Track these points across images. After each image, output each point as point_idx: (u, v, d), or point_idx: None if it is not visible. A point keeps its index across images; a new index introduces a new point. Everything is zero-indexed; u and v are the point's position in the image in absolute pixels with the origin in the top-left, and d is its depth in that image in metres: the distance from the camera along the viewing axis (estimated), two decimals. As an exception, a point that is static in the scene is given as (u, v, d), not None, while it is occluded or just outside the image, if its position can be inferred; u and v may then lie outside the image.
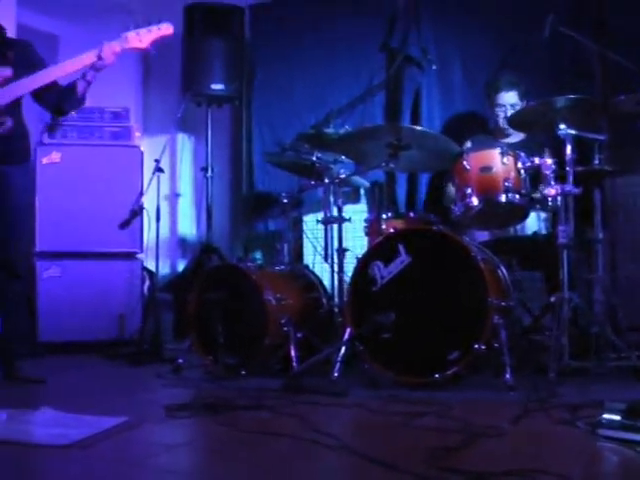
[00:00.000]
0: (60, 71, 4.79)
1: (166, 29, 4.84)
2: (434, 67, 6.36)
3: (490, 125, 6.07)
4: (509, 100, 5.78)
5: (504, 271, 4.84)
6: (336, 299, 5.34)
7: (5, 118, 4.69)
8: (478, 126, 6.24)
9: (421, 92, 6.61)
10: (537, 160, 4.82)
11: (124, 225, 5.88)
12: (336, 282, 5.39)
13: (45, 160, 6.31)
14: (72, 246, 6.36)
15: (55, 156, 6.36)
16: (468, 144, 5.87)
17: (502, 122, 5.79)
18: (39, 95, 4.92)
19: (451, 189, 5.41)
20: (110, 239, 6.35)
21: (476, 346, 4.31)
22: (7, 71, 4.70)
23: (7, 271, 4.91)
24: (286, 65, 7.16)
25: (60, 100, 4.98)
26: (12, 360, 4.89)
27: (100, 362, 5.93)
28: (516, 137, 5.82)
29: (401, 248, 4.61)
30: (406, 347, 4.50)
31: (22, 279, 5.07)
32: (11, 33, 5.16)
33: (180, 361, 5.27)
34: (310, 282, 5.54)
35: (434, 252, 4.57)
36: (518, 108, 5.61)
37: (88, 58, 4.76)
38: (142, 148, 6.64)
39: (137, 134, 6.72)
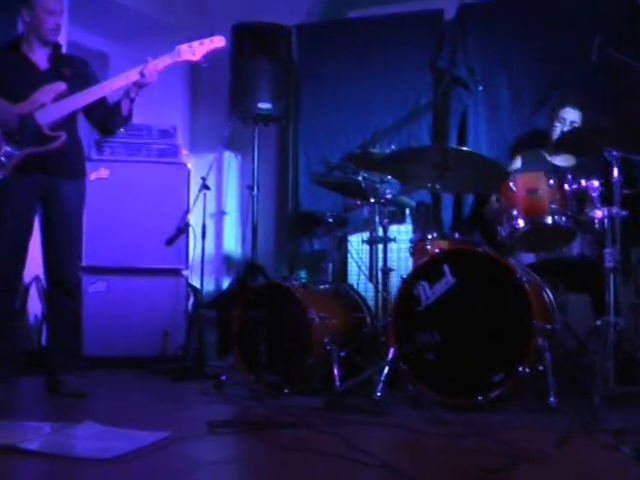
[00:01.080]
0: (107, 88, 4.86)
1: (218, 41, 4.90)
2: (480, 88, 6.34)
3: (549, 139, 6.00)
4: (571, 116, 5.75)
5: (549, 293, 4.80)
6: (380, 319, 5.32)
7: (59, 132, 4.73)
8: (525, 146, 6.21)
9: (468, 113, 6.60)
10: (583, 182, 4.78)
11: (170, 242, 5.92)
12: (380, 302, 5.38)
13: (93, 176, 6.34)
14: (118, 261, 6.41)
15: (103, 172, 6.42)
16: (518, 161, 5.86)
17: (558, 137, 5.74)
18: (88, 112, 4.98)
19: (494, 202, 5.39)
20: (156, 255, 6.39)
21: (520, 369, 4.28)
22: (61, 86, 4.77)
23: (62, 290, 4.95)
24: (333, 84, 7.19)
25: (106, 118, 5.03)
26: (58, 375, 4.92)
27: (143, 377, 5.95)
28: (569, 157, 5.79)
29: (446, 269, 4.60)
30: (450, 368, 4.48)
31: (73, 297, 5.12)
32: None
33: (223, 378, 5.28)
34: (354, 301, 5.53)
35: (479, 273, 4.54)
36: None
37: (133, 75, 4.82)
38: (189, 165, 6.69)
39: (184, 152, 6.76)
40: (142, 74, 4.80)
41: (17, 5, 4.94)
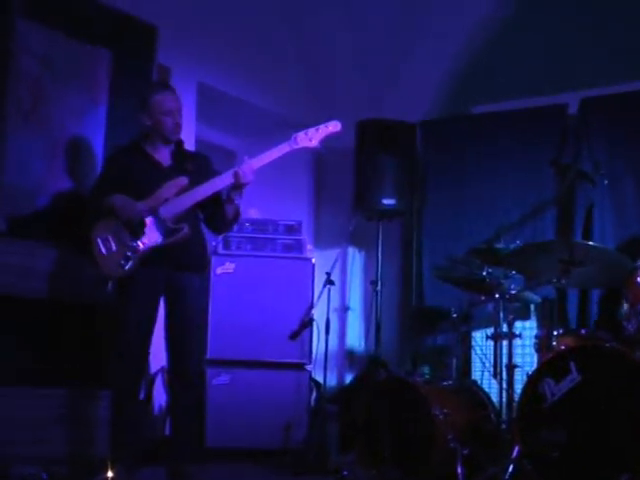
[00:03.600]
0: (214, 186, 4.92)
1: (334, 127, 4.94)
2: (606, 182, 6.28)
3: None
4: None
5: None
6: (504, 416, 5.24)
7: (182, 225, 4.84)
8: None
9: (593, 208, 6.52)
10: None
11: (294, 336, 5.96)
12: (504, 399, 5.30)
13: (219, 270, 6.46)
14: (242, 354, 6.44)
15: (229, 266, 6.51)
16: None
17: None
18: (202, 209, 5.06)
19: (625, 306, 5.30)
20: (279, 349, 6.41)
21: (648, 469, 4.15)
22: (184, 180, 4.87)
23: (184, 382, 5.00)
24: (456, 180, 7.21)
25: (213, 218, 5.12)
26: (180, 465, 4.94)
27: (265, 470, 5.94)
28: None
29: (572, 365, 4.51)
30: (575, 467, 4.35)
31: (197, 388, 5.17)
32: (190, 147, 5.35)
33: (345, 473, 5.24)
34: (478, 398, 5.47)
35: (606, 370, 4.44)
36: None
37: (227, 178, 4.89)
38: (313, 261, 6.73)
39: (309, 247, 6.82)
40: (236, 175, 4.87)
41: (137, 110, 5.10)
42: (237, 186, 4.91)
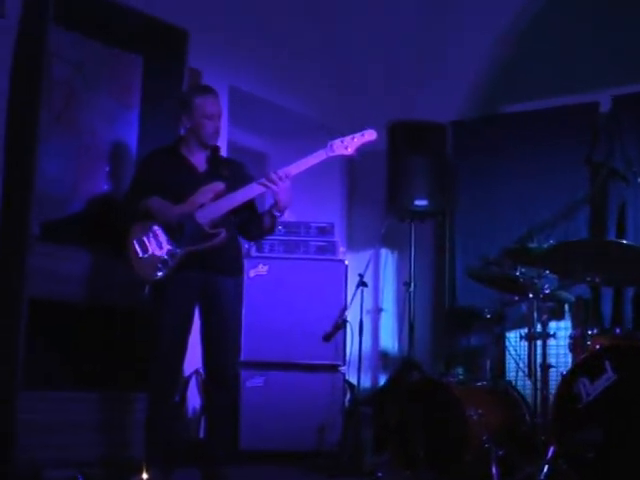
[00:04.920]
0: (246, 194, 4.91)
1: (369, 135, 4.91)
2: (639, 180, 6.24)
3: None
4: None
5: None
6: (539, 416, 5.21)
7: (219, 230, 4.84)
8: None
9: (626, 205, 6.48)
10: None
11: (328, 338, 5.96)
12: (539, 399, 5.27)
13: (252, 272, 6.46)
14: (276, 357, 6.44)
15: (262, 269, 6.51)
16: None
17: None
18: (235, 215, 5.05)
19: None
20: (313, 351, 6.41)
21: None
22: (220, 185, 4.86)
23: (220, 384, 5.01)
24: (488, 179, 7.19)
25: (247, 225, 5.11)
26: (214, 467, 4.95)
27: (299, 472, 5.94)
28: None
29: (607, 365, 4.49)
30: (611, 467, 4.34)
31: (230, 391, 5.18)
32: (222, 151, 5.36)
33: (379, 474, 5.23)
34: (512, 398, 5.46)
35: (642, 368, 4.43)
36: None
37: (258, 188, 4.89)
38: (346, 262, 6.72)
39: (342, 249, 6.81)
40: (271, 180, 4.84)
41: (178, 111, 5.11)
42: (275, 195, 4.89)
